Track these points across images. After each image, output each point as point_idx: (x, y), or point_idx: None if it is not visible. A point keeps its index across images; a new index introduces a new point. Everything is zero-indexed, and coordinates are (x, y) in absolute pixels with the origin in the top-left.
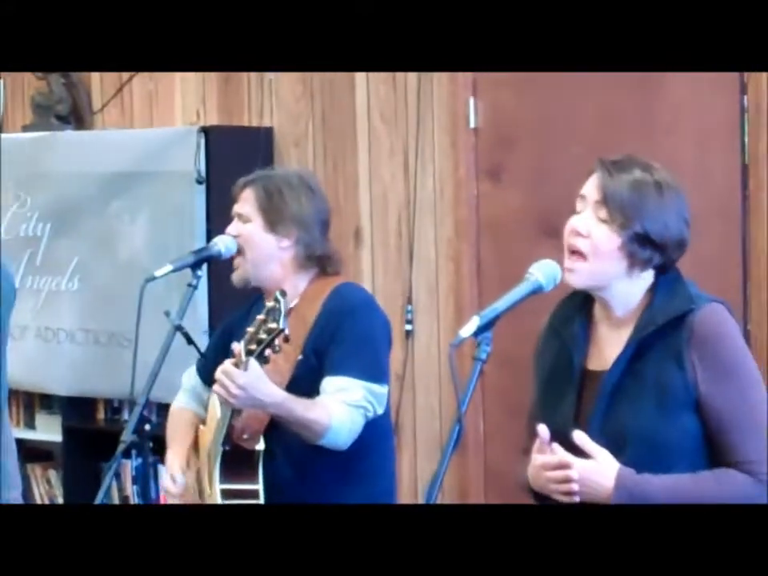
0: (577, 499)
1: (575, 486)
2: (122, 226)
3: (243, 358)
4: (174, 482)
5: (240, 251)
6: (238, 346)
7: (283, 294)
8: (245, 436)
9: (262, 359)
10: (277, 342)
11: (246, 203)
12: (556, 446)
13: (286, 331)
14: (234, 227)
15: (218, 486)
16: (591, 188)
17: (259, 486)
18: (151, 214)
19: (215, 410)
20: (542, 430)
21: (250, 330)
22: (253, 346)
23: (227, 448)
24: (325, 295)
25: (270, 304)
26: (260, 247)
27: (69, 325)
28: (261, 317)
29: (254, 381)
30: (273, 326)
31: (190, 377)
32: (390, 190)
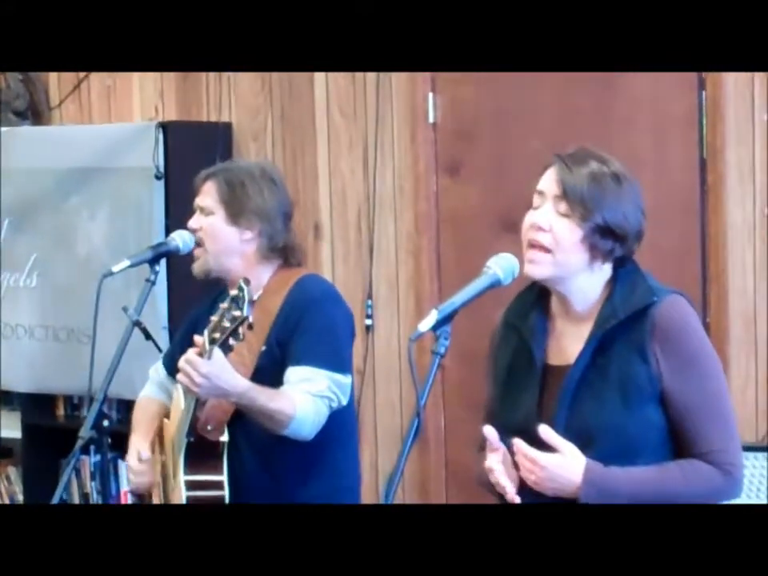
0: (517, 500)
1: (512, 496)
2: (81, 221)
3: (207, 346)
4: (140, 459)
5: (200, 243)
6: (201, 337)
7: (247, 282)
8: (209, 427)
9: (226, 348)
10: (240, 330)
11: (208, 196)
12: (519, 441)
13: (250, 319)
14: (195, 220)
15: (183, 477)
16: (549, 183)
17: (224, 477)
18: (110, 209)
19: (179, 402)
20: (489, 431)
21: (214, 318)
22: (216, 335)
23: (191, 439)
24: (288, 287)
25: (233, 292)
26: (222, 240)
27: (27, 321)
28: (224, 305)
29: (218, 370)
30: (236, 313)
31: (157, 370)
32: (349, 184)
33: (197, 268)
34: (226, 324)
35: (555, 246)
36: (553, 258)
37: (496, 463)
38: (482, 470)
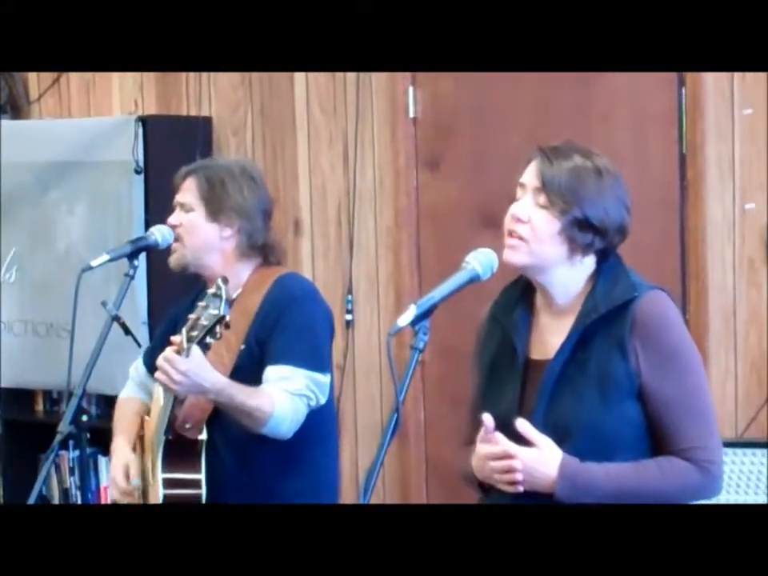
0: (521, 489)
1: (519, 476)
2: (60, 216)
3: (185, 344)
4: (129, 482)
5: (179, 239)
6: (178, 336)
7: (225, 280)
8: (187, 425)
9: (204, 346)
10: (218, 329)
11: (188, 193)
12: (499, 434)
13: (227, 318)
14: (175, 217)
15: (161, 475)
16: (530, 175)
17: (201, 476)
18: (89, 203)
19: (159, 400)
20: (487, 419)
21: (192, 316)
22: (194, 333)
23: (170, 437)
24: (267, 286)
25: (211, 291)
26: (201, 235)
27: (6, 316)
28: (202, 303)
29: (196, 367)
30: (214, 312)
31: (137, 368)
32: (329, 179)
33: (173, 261)
34: (204, 322)
35: (532, 237)
36: (529, 248)
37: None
38: (467, 465)
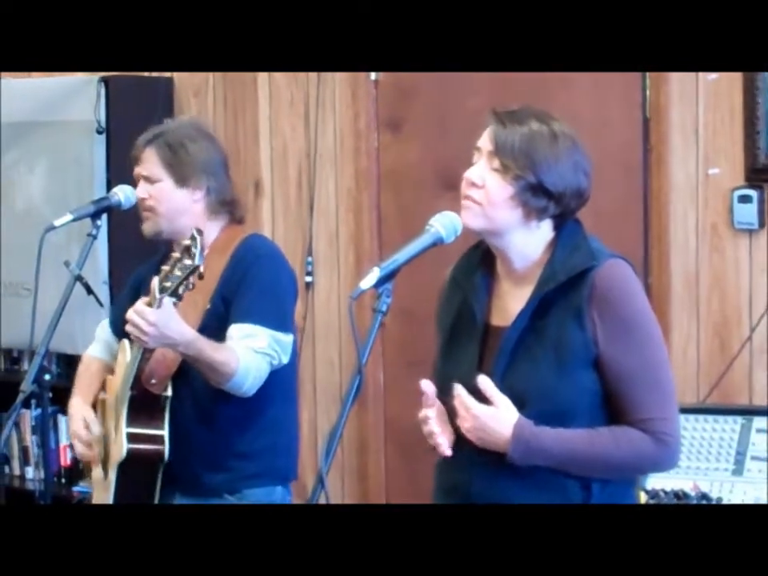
0: (448, 452)
1: (439, 439)
2: (21, 176)
3: (157, 295)
4: (89, 429)
5: (149, 210)
6: (152, 284)
7: (199, 232)
8: (152, 381)
9: (176, 297)
10: (191, 279)
11: (151, 164)
12: (459, 387)
13: (201, 268)
14: (142, 190)
15: (125, 430)
16: (485, 139)
17: (165, 432)
18: (51, 163)
19: (124, 358)
20: (425, 385)
21: (165, 268)
22: (168, 284)
23: (135, 392)
24: (233, 246)
25: (186, 242)
26: (173, 203)
27: None
28: (176, 255)
29: (166, 318)
30: (188, 262)
31: (103, 329)
32: (290, 140)
33: (148, 229)
34: (178, 273)
35: (486, 201)
36: (483, 212)
37: (432, 412)
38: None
